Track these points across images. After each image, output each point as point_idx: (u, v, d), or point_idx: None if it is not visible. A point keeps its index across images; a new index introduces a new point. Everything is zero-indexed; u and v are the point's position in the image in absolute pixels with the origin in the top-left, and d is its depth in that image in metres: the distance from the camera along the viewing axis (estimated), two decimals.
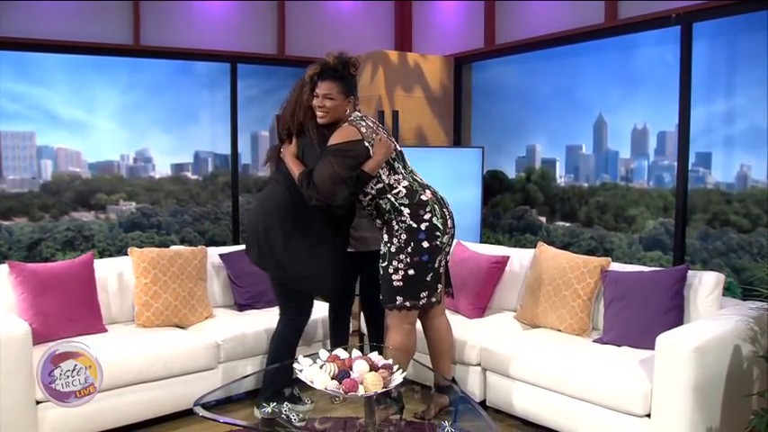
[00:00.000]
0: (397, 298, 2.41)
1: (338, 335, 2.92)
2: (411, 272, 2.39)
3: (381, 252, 2.44)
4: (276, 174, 2.58)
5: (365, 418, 2.17)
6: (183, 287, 2.99)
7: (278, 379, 2.54)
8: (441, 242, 2.42)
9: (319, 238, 2.48)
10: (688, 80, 3.05)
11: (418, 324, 2.57)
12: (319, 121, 2.44)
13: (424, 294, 2.43)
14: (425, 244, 2.39)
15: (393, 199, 2.41)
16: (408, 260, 2.38)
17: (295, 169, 2.43)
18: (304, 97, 2.47)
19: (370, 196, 2.43)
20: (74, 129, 3.79)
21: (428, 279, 2.43)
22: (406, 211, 2.40)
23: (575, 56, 3.63)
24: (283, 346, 2.58)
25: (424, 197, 2.43)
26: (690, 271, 2.63)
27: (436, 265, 2.44)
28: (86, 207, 3.85)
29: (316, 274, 2.49)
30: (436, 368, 2.60)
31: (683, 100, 3.07)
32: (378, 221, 2.47)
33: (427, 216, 2.40)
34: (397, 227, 2.40)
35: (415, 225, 2.38)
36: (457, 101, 4.31)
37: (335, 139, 2.37)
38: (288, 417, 2.32)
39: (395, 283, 2.40)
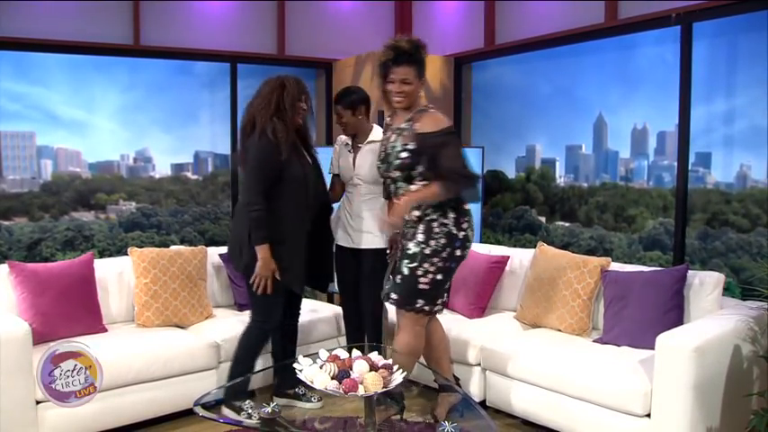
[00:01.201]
0: (419, 301, 2.36)
1: (353, 332, 2.94)
2: (439, 276, 2.34)
3: (410, 252, 2.34)
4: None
5: (365, 418, 2.17)
6: (183, 287, 3.00)
7: (237, 376, 2.57)
8: (465, 254, 2.41)
9: (277, 235, 2.47)
10: (688, 80, 3.05)
11: None
12: (396, 106, 2.38)
13: (440, 302, 2.42)
14: (458, 252, 2.36)
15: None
16: (441, 264, 2.33)
17: (427, 191, 2.29)
18: (290, 95, 2.50)
19: (424, 184, 2.34)
20: (74, 129, 3.78)
21: (447, 287, 2.43)
22: (452, 215, 2.35)
23: (575, 56, 3.62)
24: (248, 346, 2.61)
25: (466, 207, 2.40)
26: (689, 271, 2.63)
27: (454, 275, 2.44)
28: (86, 207, 3.83)
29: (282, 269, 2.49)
30: (438, 369, 2.60)
31: (683, 100, 3.06)
32: (414, 214, 2.35)
33: (465, 226, 2.37)
34: (438, 229, 2.33)
35: (455, 232, 2.34)
36: (457, 101, 4.29)
37: (435, 125, 2.30)
38: (249, 415, 2.36)
39: (420, 286, 2.34)
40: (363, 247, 2.77)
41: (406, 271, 2.34)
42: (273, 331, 2.68)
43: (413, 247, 2.34)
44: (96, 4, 3.76)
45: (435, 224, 2.33)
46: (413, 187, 2.33)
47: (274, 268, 2.48)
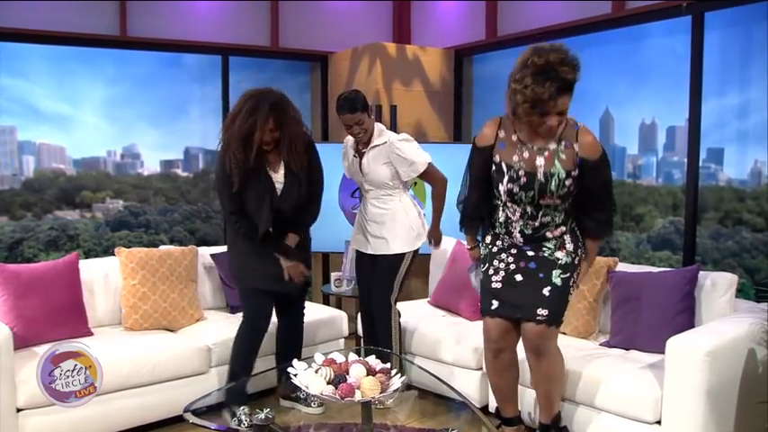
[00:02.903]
0: (565, 314, 2.25)
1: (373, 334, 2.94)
2: (575, 287, 2.29)
3: (562, 261, 2.21)
4: None
5: (362, 425, 2.16)
6: (173, 289, 2.98)
7: (232, 380, 2.63)
8: None
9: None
10: (699, 72, 3.02)
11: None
12: (545, 136, 2.16)
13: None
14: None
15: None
16: (577, 275, 2.27)
17: (596, 246, 2.33)
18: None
19: (572, 199, 2.22)
20: (57, 123, 3.74)
21: None
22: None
23: (580, 48, 3.48)
24: (237, 347, 2.69)
25: None
26: (701, 272, 2.60)
27: None
28: (71, 205, 3.80)
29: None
30: (515, 398, 2.48)
31: (694, 93, 3.04)
32: (560, 228, 2.23)
33: None
34: (580, 239, 2.27)
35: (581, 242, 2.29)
36: (457, 95, 4.27)
37: (597, 149, 2.16)
38: (240, 421, 2.33)
39: (570, 297, 2.23)
40: (380, 253, 2.81)
41: (559, 282, 2.19)
42: (279, 331, 2.81)
43: (563, 257, 2.22)
44: None
45: (578, 232, 2.26)
46: (560, 207, 2.20)
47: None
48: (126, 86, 3.90)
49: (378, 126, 2.83)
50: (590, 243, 2.29)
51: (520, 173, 2.15)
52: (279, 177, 2.64)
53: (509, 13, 3.96)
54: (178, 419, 2.48)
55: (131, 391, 2.58)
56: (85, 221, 3.85)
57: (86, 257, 3.49)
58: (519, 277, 2.24)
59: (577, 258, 2.24)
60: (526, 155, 2.16)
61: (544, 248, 2.23)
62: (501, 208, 2.26)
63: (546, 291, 2.20)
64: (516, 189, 2.16)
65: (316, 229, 3.86)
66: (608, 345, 2.68)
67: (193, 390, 2.66)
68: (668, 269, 2.86)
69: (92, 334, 2.82)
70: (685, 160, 3.14)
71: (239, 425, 2.31)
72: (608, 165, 2.21)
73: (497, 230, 2.30)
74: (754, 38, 2.89)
